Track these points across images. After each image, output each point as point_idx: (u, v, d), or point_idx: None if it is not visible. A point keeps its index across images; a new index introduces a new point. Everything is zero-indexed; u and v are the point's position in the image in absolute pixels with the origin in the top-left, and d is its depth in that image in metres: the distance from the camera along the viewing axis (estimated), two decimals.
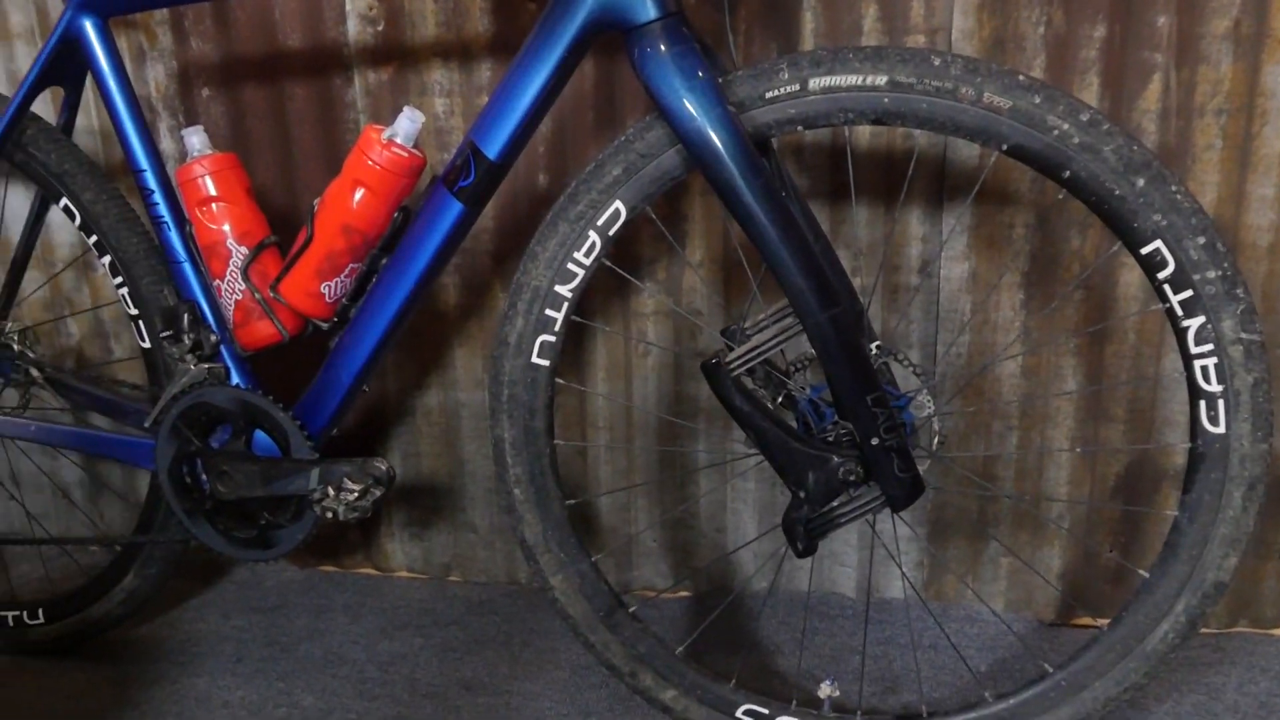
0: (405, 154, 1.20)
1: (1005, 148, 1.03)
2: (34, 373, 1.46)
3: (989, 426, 1.47)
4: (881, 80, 1.04)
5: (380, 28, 1.48)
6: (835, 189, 1.42)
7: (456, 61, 1.47)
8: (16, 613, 1.55)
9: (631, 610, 1.27)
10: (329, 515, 1.22)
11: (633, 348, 1.55)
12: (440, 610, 1.66)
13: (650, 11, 1.05)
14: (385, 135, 1.20)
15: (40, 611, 1.54)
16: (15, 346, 1.48)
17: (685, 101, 1.03)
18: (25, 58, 1.64)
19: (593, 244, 1.15)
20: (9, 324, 1.49)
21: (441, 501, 1.69)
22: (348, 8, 1.48)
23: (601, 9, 1.07)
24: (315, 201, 1.24)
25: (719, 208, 1.46)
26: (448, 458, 1.67)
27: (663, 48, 1.04)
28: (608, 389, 1.57)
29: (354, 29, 1.48)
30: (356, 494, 1.21)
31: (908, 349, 1.46)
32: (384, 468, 1.24)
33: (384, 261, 1.24)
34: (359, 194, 1.20)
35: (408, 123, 1.20)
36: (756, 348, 1.10)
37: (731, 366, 1.10)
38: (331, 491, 1.22)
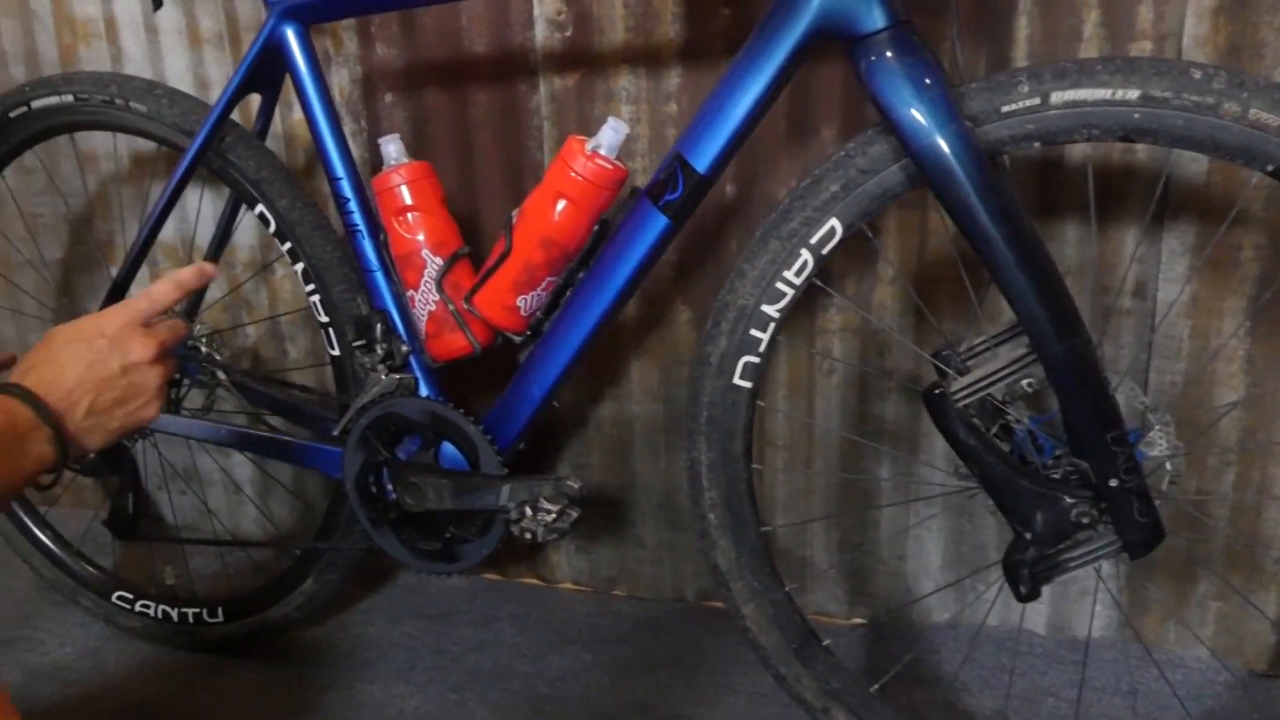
0: (609, 166, 1.17)
1: (1271, 169, 0.95)
2: (220, 376, 1.48)
3: (1203, 461, 1.37)
4: (1133, 94, 0.96)
5: (568, 33, 1.45)
6: (1041, 204, 1.34)
7: (644, 68, 1.43)
8: (197, 610, 1.57)
9: (825, 643, 1.21)
10: (527, 537, 1.20)
11: (816, 364, 1.49)
12: (607, 626, 1.63)
13: (878, 20, 0.99)
14: (589, 146, 1.16)
15: (220, 610, 1.56)
16: (203, 349, 1.49)
17: (917, 116, 0.97)
18: (213, 63, 1.67)
19: (804, 263, 1.10)
20: (197, 326, 1.51)
21: (610, 514, 1.66)
22: (535, 12, 1.45)
23: (825, 17, 1.01)
24: (513, 213, 1.22)
25: (914, 222, 1.39)
26: (618, 471, 1.64)
27: (893, 58, 0.98)
28: (788, 406, 1.52)
29: (541, 34, 1.46)
30: (554, 515, 1.18)
31: (1114, 376, 1.37)
32: (577, 486, 1.21)
33: (581, 275, 1.21)
34: (560, 206, 1.17)
35: (611, 133, 1.17)
36: (986, 378, 1.03)
37: (956, 396, 1.04)
38: (529, 512, 1.19)
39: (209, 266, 1.04)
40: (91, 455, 0.90)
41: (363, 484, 1.33)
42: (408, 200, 1.26)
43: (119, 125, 1.41)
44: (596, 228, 1.20)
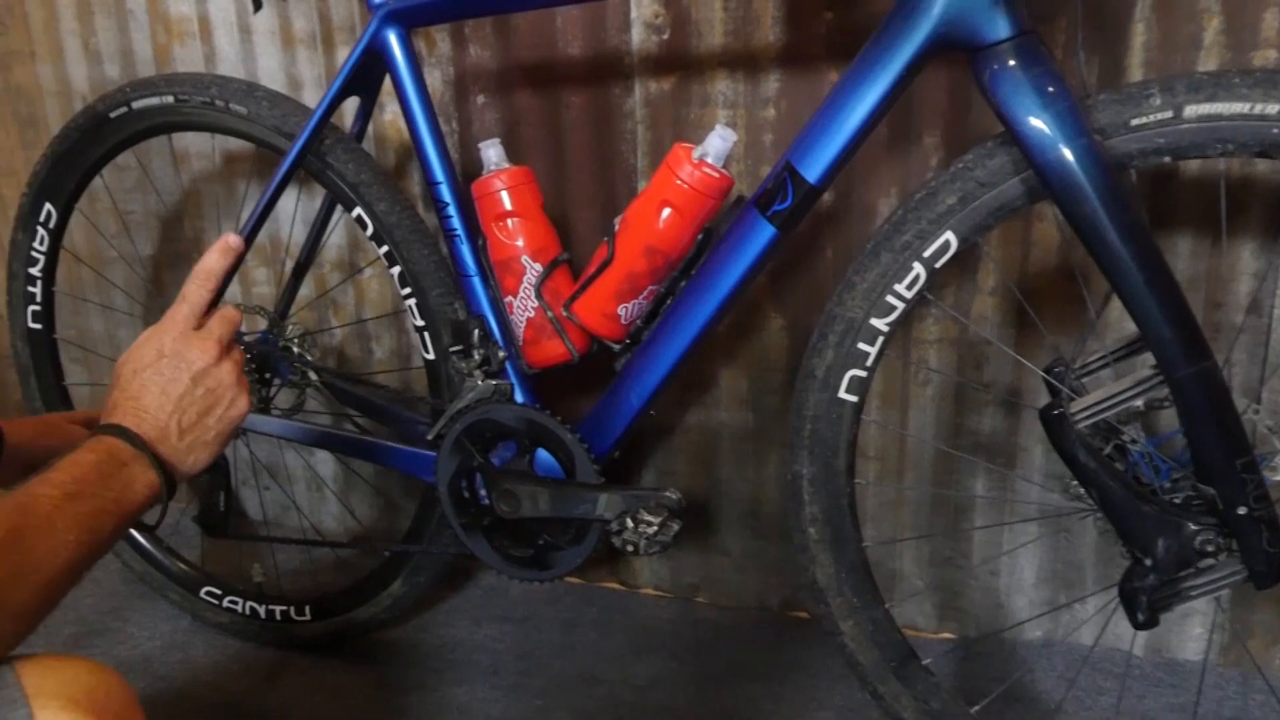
0: (716, 174, 1.15)
1: None
2: (311, 376, 1.49)
3: None
4: (1273, 109, 0.93)
5: (665, 36, 1.43)
6: (1151, 217, 1.30)
7: (742, 72, 1.41)
8: (284, 608, 1.58)
9: (925, 663, 1.19)
10: (629, 549, 1.19)
11: (911, 375, 1.46)
12: (690, 633, 1.61)
13: (1003, 29, 0.96)
14: (696, 154, 1.15)
15: (307, 609, 1.57)
16: (295, 349, 1.50)
17: (1044, 129, 0.95)
18: (305, 63, 1.67)
19: (916, 276, 1.08)
20: (290, 326, 1.52)
21: (693, 521, 1.65)
22: (633, 15, 1.44)
23: (947, 25, 0.99)
24: (616, 220, 1.21)
25: (1018, 233, 1.36)
26: (703, 478, 1.62)
27: (1018, 68, 0.95)
28: (881, 417, 1.49)
29: (638, 37, 1.44)
30: (656, 527, 1.17)
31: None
32: (676, 498, 1.20)
33: (683, 284, 1.20)
34: (665, 214, 1.16)
35: (719, 141, 1.15)
36: (1109, 399, 1.00)
37: (1077, 417, 1.01)
38: (630, 524, 1.18)
39: (233, 238, 0.99)
40: (202, 474, 0.90)
41: (456, 489, 1.32)
42: (508, 206, 1.25)
43: (218, 127, 1.42)
44: (700, 236, 1.19)
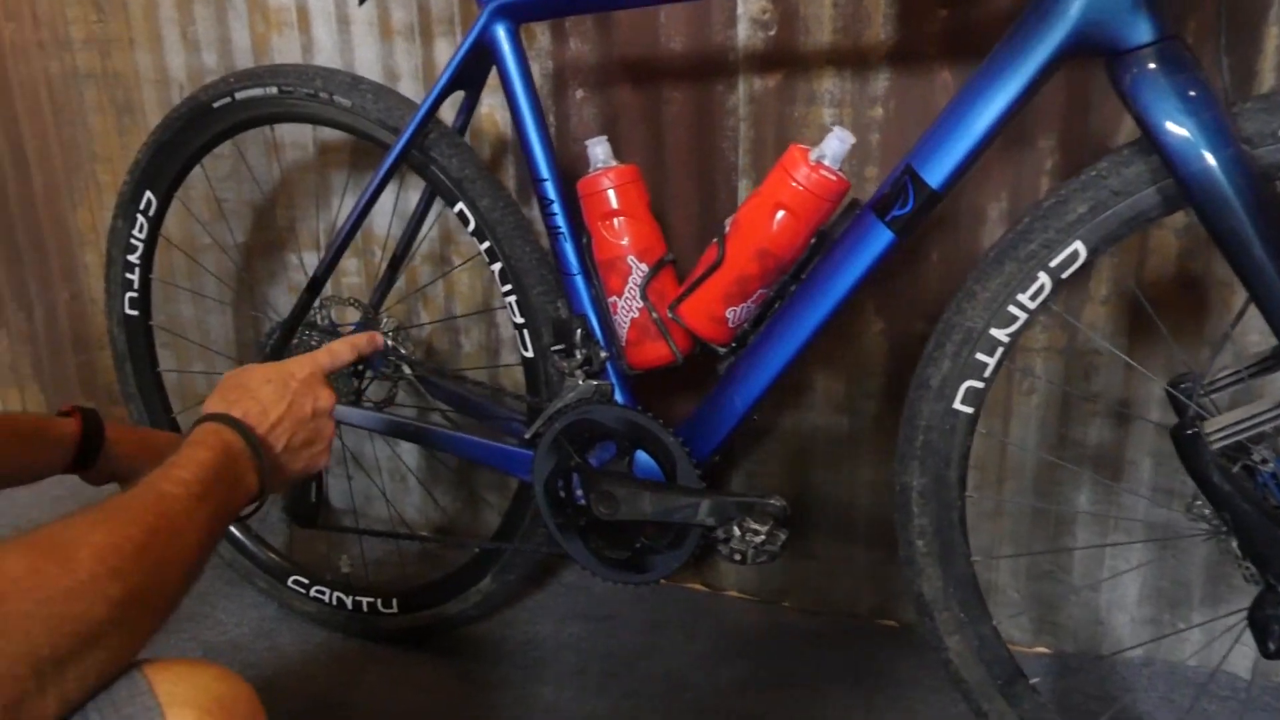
0: (833, 177, 1.12)
1: None
2: (405, 370, 1.48)
3: None
4: None
5: (772, 32, 1.41)
6: None
7: (850, 70, 1.38)
8: (371, 600, 1.59)
9: (1033, 682, 1.16)
10: (736, 559, 1.17)
11: (1016, 383, 1.43)
12: (777, 638, 1.59)
13: (1145, 34, 0.92)
14: (813, 156, 1.12)
15: (394, 602, 1.57)
16: (389, 342, 1.50)
17: (1188, 137, 0.91)
18: (403, 55, 1.67)
19: (1041, 286, 1.04)
20: (384, 319, 1.52)
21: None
22: (739, 11, 1.41)
23: (1086, 28, 0.95)
24: (726, 222, 1.19)
25: (1135, 240, 1.31)
26: (794, 481, 1.60)
27: (1161, 74, 0.92)
28: (984, 426, 1.45)
29: (744, 33, 1.42)
30: (763, 536, 1.15)
31: None
32: (780, 505, 1.18)
33: (793, 288, 1.18)
34: (779, 217, 1.14)
35: (837, 143, 1.12)
36: (1248, 420, 0.96)
37: (1212, 438, 0.97)
38: (737, 532, 1.16)
39: (379, 338, 1.11)
40: (268, 496, 0.92)
41: (553, 488, 1.31)
42: (615, 205, 1.24)
43: (321, 119, 1.42)
44: (814, 240, 1.16)
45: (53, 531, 0.65)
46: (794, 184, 1.12)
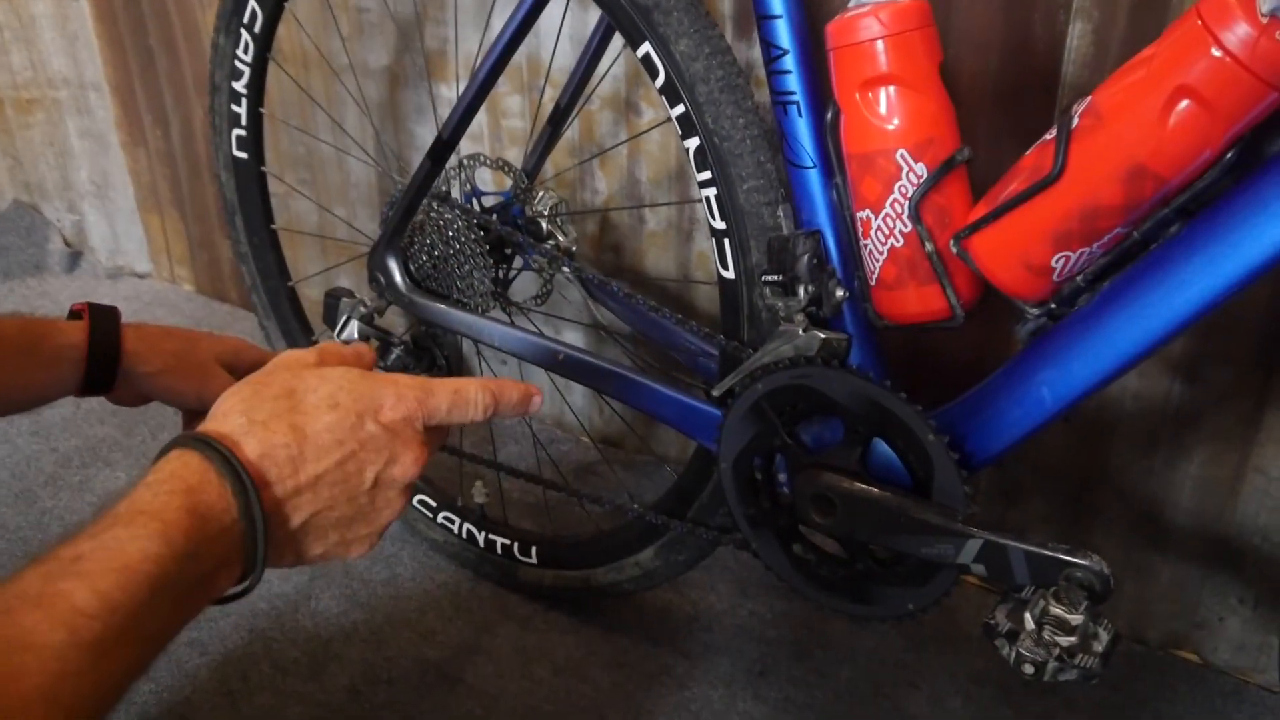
0: None
1: None
2: (564, 269, 1.10)
3: None
4: None
5: None
6: None
7: None
8: (506, 542, 1.26)
9: None
10: (1027, 670, 0.74)
11: None
12: None
13: None
14: (1265, 7, 0.63)
15: (533, 551, 1.24)
16: (544, 225, 1.11)
17: None
18: None
19: None
20: (541, 194, 1.12)
21: (1065, 534, 1.20)
22: None
23: None
24: (1074, 108, 0.72)
25: None
26: (1077, 461, 1.16)
27: None
28: None
29: None
30: (1073, 639, 0.71)
31: None
32: (1099, 568, 0.75)
33: (1175, 229, 0.71)
34: (1180, 108, 0.65)
35: None
36: None
37: None
38: (1029, 624, 0.73)
39: (539, 400, 0.70)
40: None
41: (744, 467, 0.92)
42: (884, 65, 0.78)
43: None
44: (1230, 154, 0.68)
45: None
46: (1216, 53, 0.63)
